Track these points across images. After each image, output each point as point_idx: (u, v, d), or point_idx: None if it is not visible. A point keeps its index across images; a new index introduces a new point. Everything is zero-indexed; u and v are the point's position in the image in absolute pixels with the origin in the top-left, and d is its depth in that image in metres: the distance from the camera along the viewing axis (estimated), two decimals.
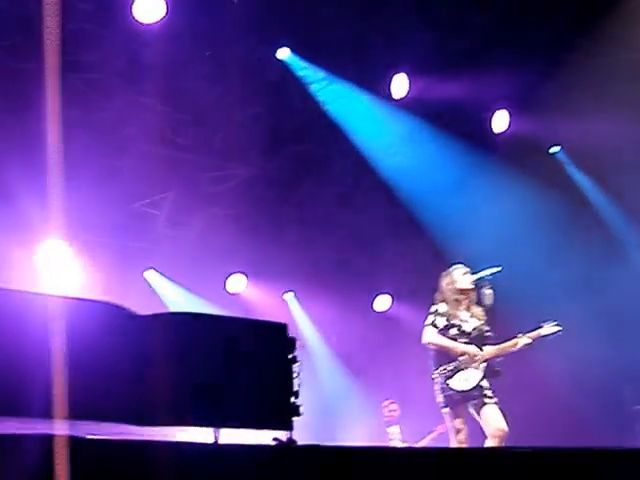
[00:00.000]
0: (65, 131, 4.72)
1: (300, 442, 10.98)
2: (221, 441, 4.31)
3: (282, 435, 4.27)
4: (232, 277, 12.46)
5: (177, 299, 11.92)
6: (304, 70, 10.83)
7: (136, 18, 9.35)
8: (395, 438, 12.14)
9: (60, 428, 3.55)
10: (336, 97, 11.14)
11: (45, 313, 3.99)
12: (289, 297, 13.23)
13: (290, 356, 4.42)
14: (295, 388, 4.40)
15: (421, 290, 9.42)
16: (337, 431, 12.46)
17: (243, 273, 12.50)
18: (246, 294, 12.61)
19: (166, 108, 10.22)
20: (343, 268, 12.35)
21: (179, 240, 11.38)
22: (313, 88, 11.01)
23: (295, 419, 4.53)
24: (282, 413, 4.34)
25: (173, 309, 11.57)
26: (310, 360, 13.11)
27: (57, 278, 9.88)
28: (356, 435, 12.31)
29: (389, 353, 12.58)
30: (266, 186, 11.64)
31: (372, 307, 13.55)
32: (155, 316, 4.22)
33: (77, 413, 3.67)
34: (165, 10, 9.44)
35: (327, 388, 13.17)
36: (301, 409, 4.38)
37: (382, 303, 13.66)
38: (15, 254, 10.10)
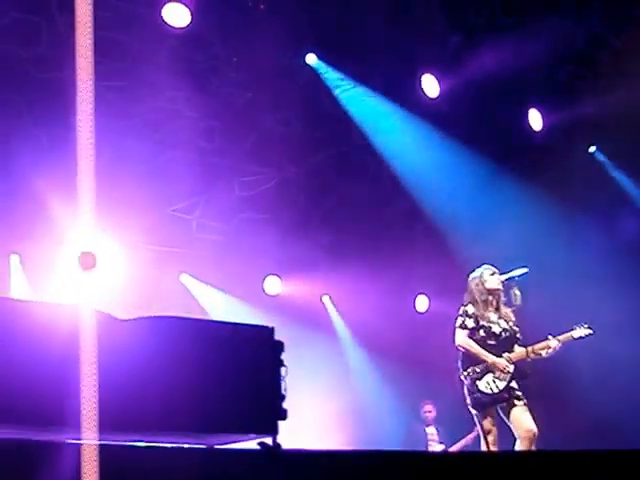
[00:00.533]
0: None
1: (336, 442, 10.99)
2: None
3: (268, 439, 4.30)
4: (267, 280, 12.53)
5: (214, 302, 12.06)
6: (332, 74, 10.85)
7: (165, 21, 9.48)
8: (432, 439, 12.10)
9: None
10: (363, 101, 11.12)
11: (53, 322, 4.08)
12: (326, 300, 13.27)
13: (277, 360, 4.44)
14: (282, 392, 4.42)
15: (456, 290, 9.33)
16: (374, 432, 12.45)
17: (278, 276, 12.55)
18: (282, 297, 12.65)
19: (195, 114, 10.29)
20: (378, 269, 12.29)
21: (213, 244, 11.45)
22: (340, 92, 11.02)
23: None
24: (268, 417, 4.35)
25: (211, 311, 11.74)
26: (347, 362, 13.18)
27: (89, 282, 9.98)
28: (393, 435, 12.31)
29: (426, 353, 12.47)
30: (299, 190, 11.67)
31: (410, 308, 13.51)
32: (137, 320, 4.25)
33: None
34: (191, 16, 9.56)
35: (364, 391, 13.17)
36: (287, 413, 4.39)
37: (420, 304, 13.64)
38: (47, 258, 10.29)
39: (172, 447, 4.25)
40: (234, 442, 4.59)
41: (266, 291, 12.59)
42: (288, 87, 10.71)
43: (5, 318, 3.96)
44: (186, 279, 11.92)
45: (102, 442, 3.77)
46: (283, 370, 4.42)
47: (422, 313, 13.61)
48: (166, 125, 10.24)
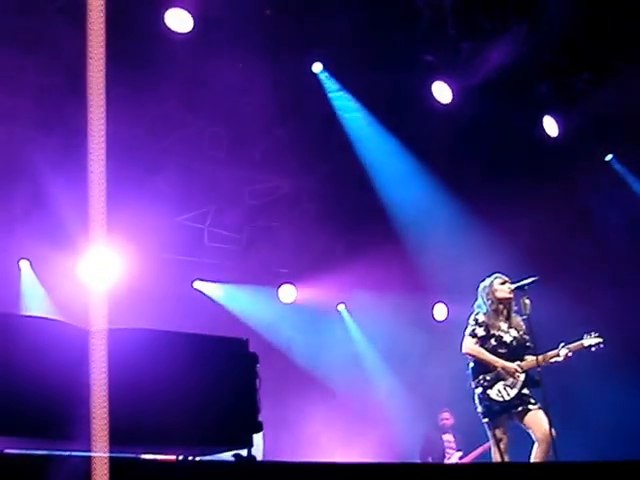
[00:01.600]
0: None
1: (354, 448, 10.88)
2: None
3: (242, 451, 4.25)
4: (282, 288, 12.51)
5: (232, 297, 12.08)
6: (335, 84, 10.81)
7: (168, 27, 9.37)
8: (449, 447, 11.98)
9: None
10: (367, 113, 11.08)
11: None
12: (342, 308, 13.22)
13: (252, 371, 4.38)
14: (257, 404, 4.36)
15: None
16: (391, 439, 12.37)
17: (292, 284, 12.52)
18: (297, 305, 12.66)
19: (201, 122, 10.26)
20: (395, 277, 12.20)
21: (225, 253, 11.41)
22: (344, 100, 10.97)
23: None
24: (243, 430, 4.30)
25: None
26: (363, 370, 13.12)
27: (102, 290, 9.98)
28: (410, 442, 12.22)
29: (445, 361, 12.33)
30: (311, 197, 11.60)
31: (429, 316, 13.45)
32: (108, 332, 4.19)
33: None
34: (194, 22, 9.48)
35: (381, 399, 13.09)
36: (262, 425, 4.33)
37: (439, 312, 13.54)
38: (60, 266, 10.30)
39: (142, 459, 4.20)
40: (209, 454, 4.54)
41: (281, 299, 12.58)
42: (296, 95, 10.62)
43: (7, 333, 4.00)
44: (200, 284, 11.93)
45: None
46: (257, 382, 4.38)
47: (441, 321, 13.52)
48: (172, 133, 10.19)
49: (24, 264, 10.74)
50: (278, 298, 12.62)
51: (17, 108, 9.40)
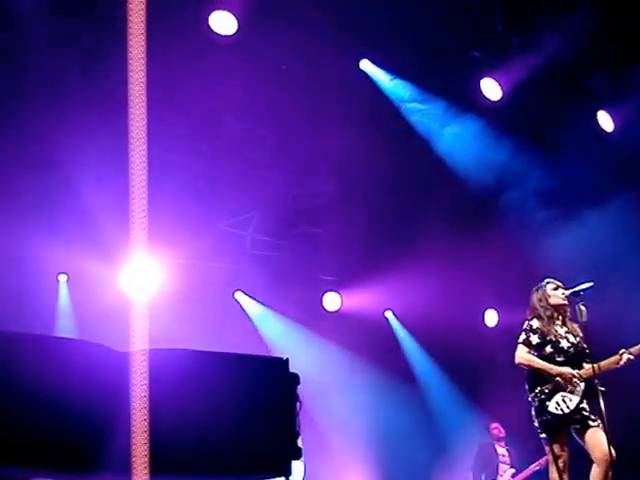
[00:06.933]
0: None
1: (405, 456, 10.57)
2: None
3: None
4: (326, 296, 12.26)
5: (267, 320, 11.85)
6: (387, 81, 10.49)
7: (212, 29, 9.22)
8: (503, 461, 11.56)
9: None
10: (422, 108, 10.72)
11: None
12: (389, 315, 12.90)
13: (292, 394, 4.04)
14: (296, 429, 4.02)
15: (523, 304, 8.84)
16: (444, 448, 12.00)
17: (337, 292, 12.23)
18: (342, 314, 12.38)
19: (245, 125, 10.00)
20: (443, 282, 11.84)
21: (267, 260, 11.17)
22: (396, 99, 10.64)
23: None
24: (280, 457, 3.96)
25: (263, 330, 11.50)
26: (414, 378, 12.81)
27: (143, 300, 9.83)
28: (464, 452, 11.87)
29: (495, 370, 11.96)
30: (356, 202, 11.26)
31: (478, 322, 13.04)
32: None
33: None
34: (238, 24, 9.30)
35: (432, 407, 12.75)
36: (302, 451, 3.99)
37: (489, 318, 13.16)
38: (101, 276, 10.15)
39: None
40: None
41: (325, 307, 12.33)
42: (342, 95, 10.28)
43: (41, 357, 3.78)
44: (240, 297, 11.70)
45: None
46: (297, 405, 4.05)
47: (491, 328, 13.13)
48: (215, 137, 9.98)
49: (62, 278, 10.63)
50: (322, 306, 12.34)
51: (58, 115, 9.21)
